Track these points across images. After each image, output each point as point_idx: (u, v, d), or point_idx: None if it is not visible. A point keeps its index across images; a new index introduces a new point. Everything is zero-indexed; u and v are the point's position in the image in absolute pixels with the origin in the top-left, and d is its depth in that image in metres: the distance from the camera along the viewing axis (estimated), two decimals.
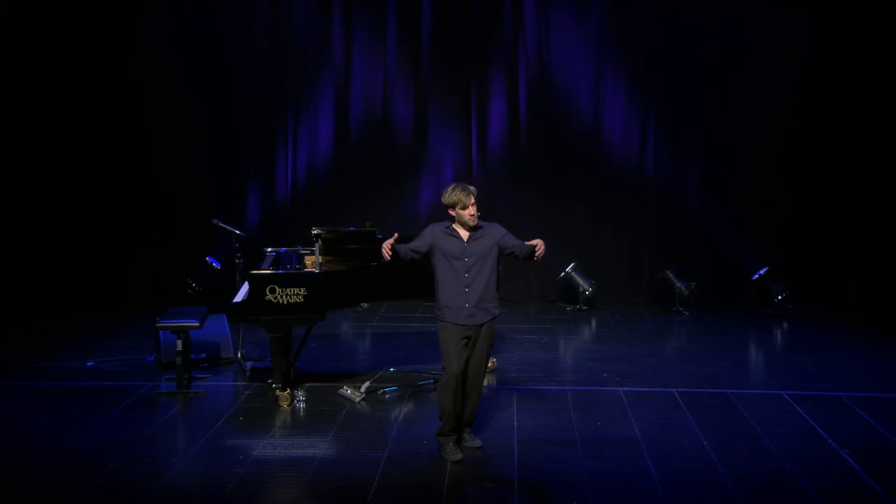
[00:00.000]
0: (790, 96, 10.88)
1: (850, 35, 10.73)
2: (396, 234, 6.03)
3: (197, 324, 7.47)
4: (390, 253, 5.89)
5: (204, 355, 8.33)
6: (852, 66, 10.77)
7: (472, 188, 5.92)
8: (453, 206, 5.90)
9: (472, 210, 5.87)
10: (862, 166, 10.82)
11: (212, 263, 9.63)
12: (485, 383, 6.66)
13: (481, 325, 5.95)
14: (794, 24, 10.80)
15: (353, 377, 7.80)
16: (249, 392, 7.52)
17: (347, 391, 7.35)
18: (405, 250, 5.96)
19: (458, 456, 5.96)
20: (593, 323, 10.35)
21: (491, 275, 5.99)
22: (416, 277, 7.29)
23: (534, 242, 5.85)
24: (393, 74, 11.21)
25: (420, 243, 5.99)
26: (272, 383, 7.30)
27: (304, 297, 7.09)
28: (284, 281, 7.09)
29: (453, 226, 5.97)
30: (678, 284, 10.72)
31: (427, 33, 11.13)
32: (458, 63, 11.14)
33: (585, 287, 10.80)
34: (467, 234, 5.95)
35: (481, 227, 5.99)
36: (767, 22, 10.80)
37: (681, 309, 10.66)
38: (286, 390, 7.15)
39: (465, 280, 5.92)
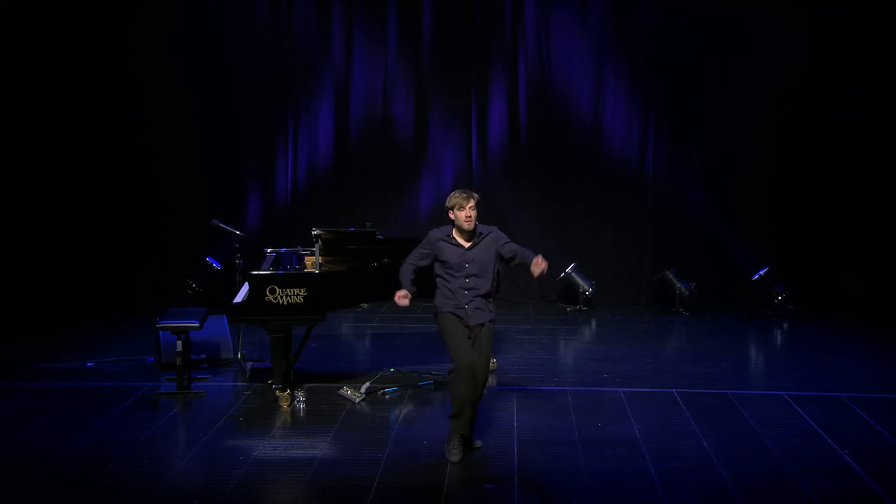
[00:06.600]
0: (789, 96, 10.88)
1: (848, 35, 10.73)
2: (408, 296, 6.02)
3: (197, 324, 7.47)
4: (405, 299, 5.94)
5: (204, 356, 8.33)
6: (851, 65, 10.76)
7: (474, 194, 6.00)
8: (452, 209, 5.96)
9: (468, 212, 5.91)
10: (861, 166, 10.83)
11: (212, 264, 9.63)
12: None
13: (480, 324, 5.98)
14: (794, 25, 10.80)
15: (353, 378, 7.80)
16: (249, 392, 7.52)
17: (347, 392, 7.35)
18: (408, 278, 6.04)
19: (457, 457, 5.94)
20: (593, 323, 10.34)
21: (490, 279, 6.06)
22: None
23: (536, 261, 5.85)
24: (393, 74, 11.20)
25: (421, 254, 6.08)
26: (272, 384, 7.29)
27: (304, 297, 7.08)
28: (284, 281, 7.08)
29: (453, 233, 6.01)
30: (678, 285, 10.71)
31: (427, 33, 11.13)
32: (458, 63, 11.14)
33: (585, 287, 10.79)
34: (467, 241, 5.99)
35: (480, 232, 6.04)
36: (767, 22, 10.81)
37: (681, 309, 10.65)
38: (286, 391, 7.15)
39: (466, 283, 5.98)
